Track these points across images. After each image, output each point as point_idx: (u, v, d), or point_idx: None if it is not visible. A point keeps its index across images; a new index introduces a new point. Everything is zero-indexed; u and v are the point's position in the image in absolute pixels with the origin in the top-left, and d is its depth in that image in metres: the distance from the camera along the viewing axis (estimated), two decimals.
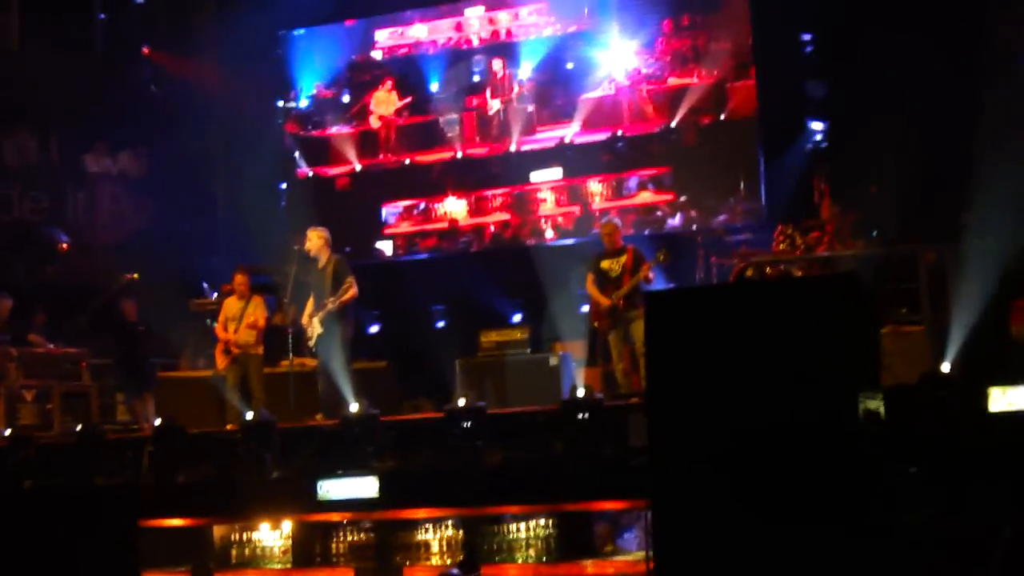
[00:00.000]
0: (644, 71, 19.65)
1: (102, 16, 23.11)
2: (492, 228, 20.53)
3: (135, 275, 18.20)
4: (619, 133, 19.78)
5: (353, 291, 14.73)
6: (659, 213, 19.37)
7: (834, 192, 16.12)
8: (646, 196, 19.53)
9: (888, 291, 13.70)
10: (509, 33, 20.75)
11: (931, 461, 10.24)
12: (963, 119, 15.93)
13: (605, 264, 14.66)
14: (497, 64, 20.62)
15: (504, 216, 20.45)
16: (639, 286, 14.28)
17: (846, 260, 15.05)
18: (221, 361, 15.69)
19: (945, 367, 11.28)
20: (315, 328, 14.72)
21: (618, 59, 19.82)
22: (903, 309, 13.78)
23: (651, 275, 14.36)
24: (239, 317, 15.63)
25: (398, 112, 21.20)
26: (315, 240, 15.00)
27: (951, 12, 16.40)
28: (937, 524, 9.91)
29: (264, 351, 15.89)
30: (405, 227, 21.07)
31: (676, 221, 19.16)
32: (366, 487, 12.63)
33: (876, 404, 8.98)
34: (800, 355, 8.63)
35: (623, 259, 14.55)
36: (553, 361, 15.36)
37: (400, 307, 20.04)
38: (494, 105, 20.58)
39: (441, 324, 20.00)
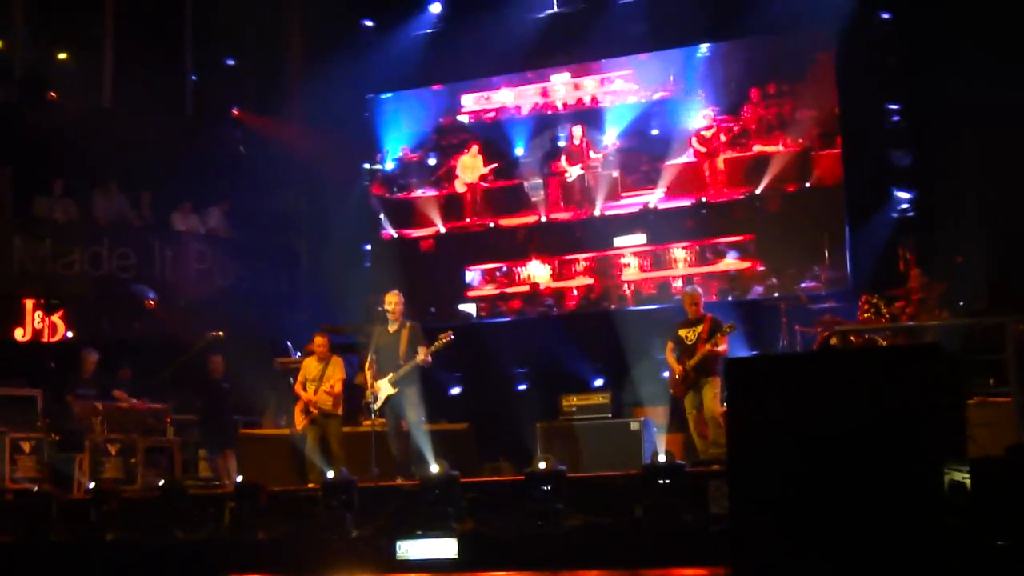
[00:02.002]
0: (729, 139, 19.63)
1: (193, 77, 23.53)
2: (575, 292, 20.54)
3: (220, 333, 18.32)
4: (703, 200, 19.77)
5: (424, 358, 14.81)
6: (743, 281, 19.30)
7: (920, 261, 15.99)
8: (730, 263, 19.47)
9: (975, 362, 13.52)
10: (595, 99, 20.83)
11: (1018, 534, 10.09)
12: None
13: (683, 332, 14.68)
14: (580, 130, 20.68)
15: (587, 280, 20.46)
16: (714, 355, 14.27)
17: (932, 330, 14.89)
18: (300, 421, 15.72)
19: None
20: (382, 390, 14.82)
21: (703, 126, 19.83)
22: (990, 380, 13.61)
23: (722, 347, 14.33)
24: (318, 379, 15.68)
25: (483, 178, 21.32)
26: (393, 303, 15.12)
27: None
28: None
29: (345, 410, 15.95)
30: (488, 290, 21.12)
31: (760, 289, 19.06)
32: (445, 548, 12.64)
33: (962, 475, 8.87)
34: (884, 425, 8.55)
35: (699, 328, 14.55)
36: (634, 426, 15.25)
37: (482, 369, 20.08)
38: (576, 171, 20.63)
39: (522, 387, 19.98)
